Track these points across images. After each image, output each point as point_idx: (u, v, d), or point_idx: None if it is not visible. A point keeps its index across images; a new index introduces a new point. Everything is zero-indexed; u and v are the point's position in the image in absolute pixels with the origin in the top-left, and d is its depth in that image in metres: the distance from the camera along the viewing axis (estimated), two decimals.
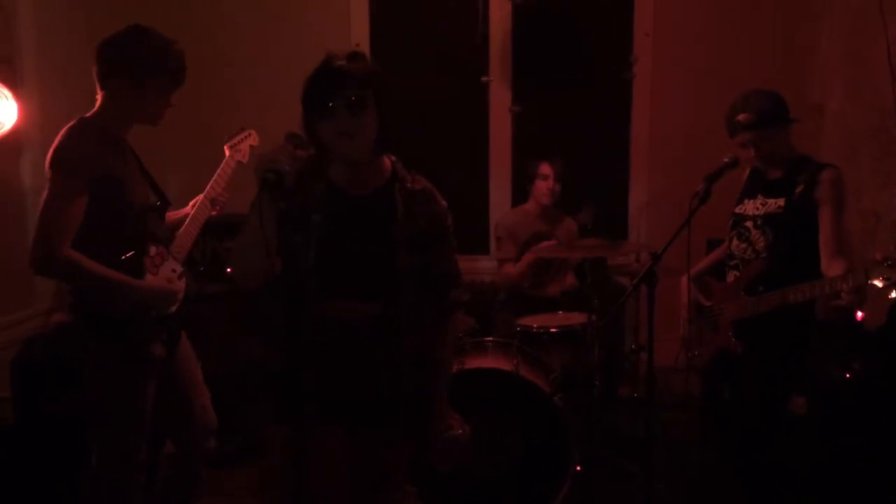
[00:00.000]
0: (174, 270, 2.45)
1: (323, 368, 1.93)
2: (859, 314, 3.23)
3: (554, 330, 3.55)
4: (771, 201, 2.72)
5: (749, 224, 2.76)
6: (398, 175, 2.00)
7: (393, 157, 2.04)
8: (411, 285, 1.95)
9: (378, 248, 1.92)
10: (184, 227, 2.57)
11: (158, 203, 2.47)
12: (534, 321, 3.62)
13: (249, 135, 2.80)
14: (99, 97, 2.34)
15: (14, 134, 3.40)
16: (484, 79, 4.78)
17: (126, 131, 2.39)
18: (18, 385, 3.32)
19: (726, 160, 2.61)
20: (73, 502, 3.14)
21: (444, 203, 2.04)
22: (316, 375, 1.92)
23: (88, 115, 2.32)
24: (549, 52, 4.78)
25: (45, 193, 2.19)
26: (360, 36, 4.69)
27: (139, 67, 2.29)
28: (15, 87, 3.39)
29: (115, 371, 2.32)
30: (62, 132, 2.26)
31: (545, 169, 4.03)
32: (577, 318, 3.63)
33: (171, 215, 2.62)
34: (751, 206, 2.78)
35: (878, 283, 2.28)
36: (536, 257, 3.88)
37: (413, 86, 4.77)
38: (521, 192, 4.38)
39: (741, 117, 2.66)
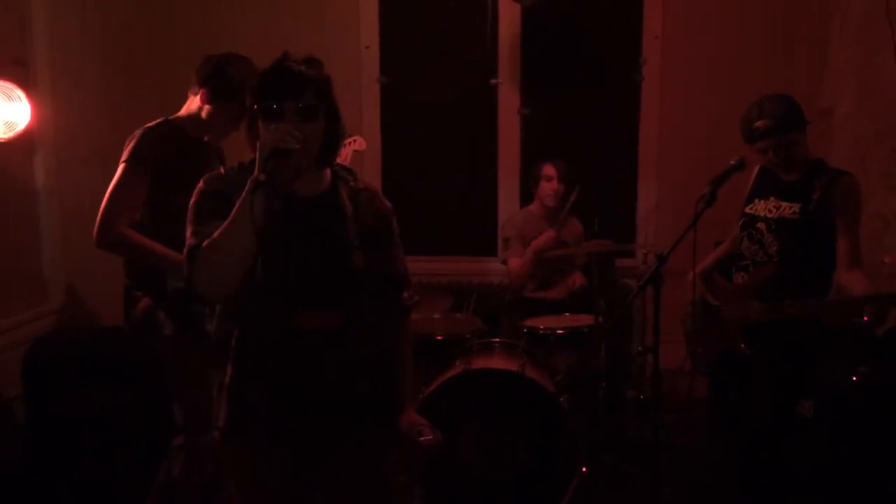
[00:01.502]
0: None
1: (300, 377, 1.88)
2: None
3: (560, 331, 3.56)
4: (785, 205, 2.69)
5: (761, 226, 2.73)
6: (339, 176, 1.96)
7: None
8: (368, 285, 1.93)
9: (332, 249, 1.88)
10: None
11: None
12: (540, 322, 3.64)
13: (354, 140, 2.95)
14: (188, 101, 2.62)
15: (27, 134, 3.44)
16: (493, 81, 4.78)
17: (203, 135, 2.65)
18: (29, 383, 3.35)
19: (732, 163, 2.58)
20: (81, 500, 3.18)
21: (388, 203, 2.03)
22: (298, 384, 1.88)
23: (173, 116, 2.61)
24: (558, 55, 4.78)
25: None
26: (369, 38, 4.70)
27: (220, 89, 2.55)
28: (28, 88, 3.43)
29: (181, 351, 2.54)
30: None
31: (549, 170, 4.04)
32: (583, 320, 3.64)
33: None
34: (762, 207, 2.75)
35: None
36: (540, 251, 3.91)
37: (422, 88, 4.80)
38: (528, 195, 4.39)
39: (759, 124, 2.61)
